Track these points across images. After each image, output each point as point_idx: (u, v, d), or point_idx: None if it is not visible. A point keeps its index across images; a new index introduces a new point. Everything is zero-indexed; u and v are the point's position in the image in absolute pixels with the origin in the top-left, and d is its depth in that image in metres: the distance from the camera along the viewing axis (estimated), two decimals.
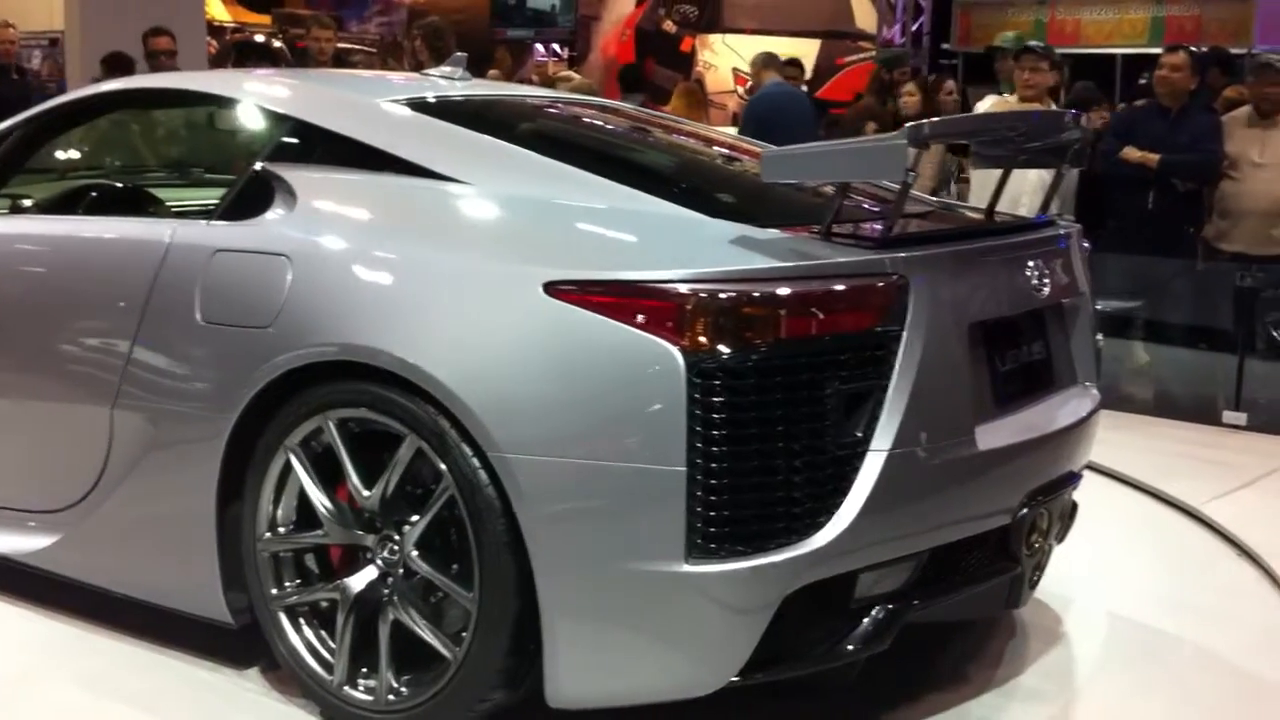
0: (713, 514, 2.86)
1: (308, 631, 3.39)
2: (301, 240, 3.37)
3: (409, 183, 3.42)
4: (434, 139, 3.61)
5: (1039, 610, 4.23)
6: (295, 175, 3.55)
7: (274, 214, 3.50)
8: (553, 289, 2.96)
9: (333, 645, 3.33)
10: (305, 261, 3.32)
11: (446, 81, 4.29)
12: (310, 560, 3.42)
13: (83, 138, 4.78)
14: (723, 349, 2.85)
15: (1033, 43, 8.81)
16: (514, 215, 3.30)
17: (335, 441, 3.25)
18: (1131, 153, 7.54)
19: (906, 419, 3.00)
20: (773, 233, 3.12)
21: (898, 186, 3.15)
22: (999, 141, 3.79)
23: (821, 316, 2.93)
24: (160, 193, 4.71)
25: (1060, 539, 3.78)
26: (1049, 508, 3.50)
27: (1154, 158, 7.49)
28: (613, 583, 2.93)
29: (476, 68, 5.05)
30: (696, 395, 2.84)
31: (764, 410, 2.86)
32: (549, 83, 9.33)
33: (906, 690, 3.59)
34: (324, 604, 3.37)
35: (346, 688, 3.30)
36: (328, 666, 3.34)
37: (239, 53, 9.20)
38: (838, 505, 2.94)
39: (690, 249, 3.03)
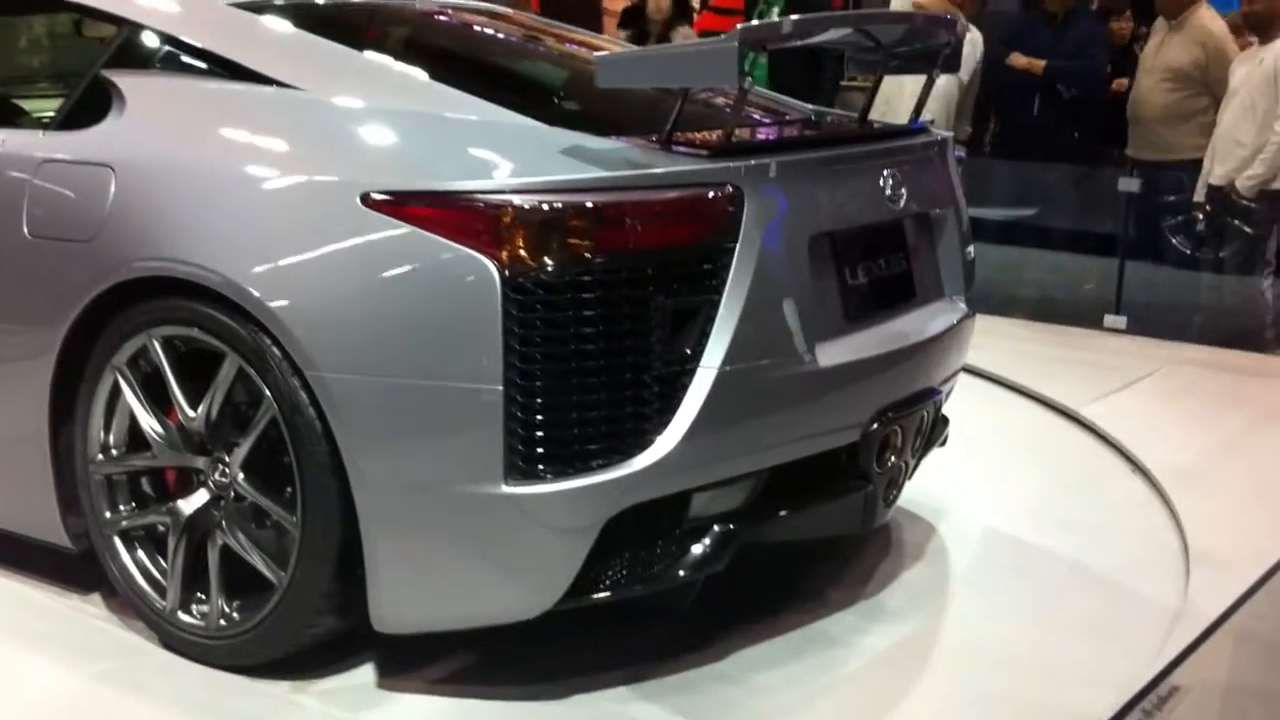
0: (532, 434, 2.78)
1: (142, 556, 3.31)
2: (125, 150, 3.24)
3: (239, 88, 3.27)
4: (271, 43, 3.46)
5: (912, 526, 4.20)
6: (128, 82, 3.40)
7: (105, 123, 3.36)
8: (370, 201, 2.85)
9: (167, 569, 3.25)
10: (128, 172, 3.19)
11: None
12: (146, 484, 3.33)
13: None
14: (539, 263, 2.75)
15: None
16: (341, 123, 3.15)
17: (160, 360, 3.14)
18: (1018, 59, 7.57)
19: (739, 335, 2.91)
20: (608, 141, 3.01)
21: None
22: (862, 47, 3.67)
23: (644, 229, 2.83)
24: (30, 104, 4.54)
25: (921, 455, 3.72)
26: (903, 424, 3.42)
27: (1039, 64, 7.51)
28: (432, 505, 2.85)
29: None
30: (512, 311, 2.74)
31: (583, 326, 2.77)
32: None
33: (762, 611, 3.53)
34: (160, 528, 3.28)
35: (180, 613, 3.22)
36: (162, 591, 3.25)
37: None
38: (665, 424, 2.86)
39: (516, 158, 2.92)
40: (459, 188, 2.82)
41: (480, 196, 2.79)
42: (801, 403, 3.11)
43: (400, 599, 2.93)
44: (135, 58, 3.51)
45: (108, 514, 3.31)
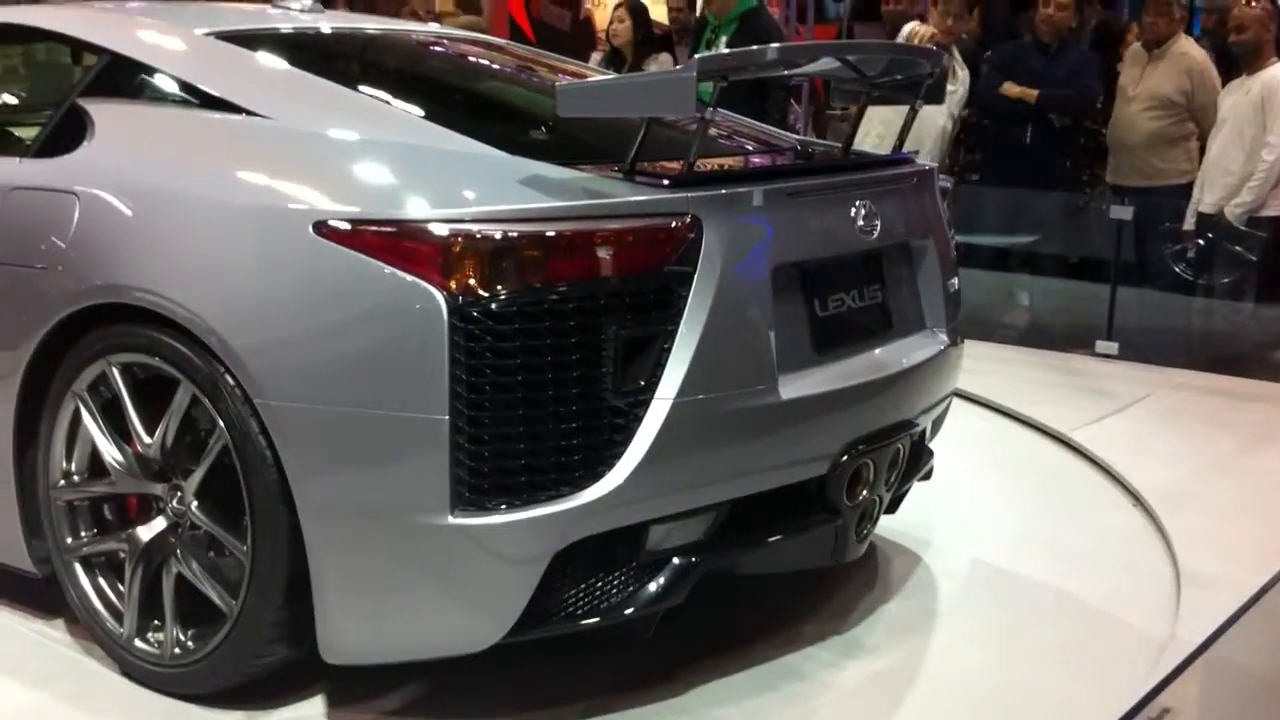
0: (479, 465, 2.74)
1: (102, 582, 3.29)
2: (90, 178, 3.22)
3: (203, 116, 3.26)
4: (242, 71, 3.45)
5: (898, 556, 4.15)
6: (98, 110, 3.40)
7: (76, 151, 3.35)
8: (322, 229, 2.82)
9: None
10: (91, 200, 3.18)
11: (292, 13, 4.11)
12: (108, 510, 3.31)
13: None
14: (485, 292, 2.72)
15: None
16: (301, 151, 3.11)
17: (118, 387, 3.13)
18: (1011, 88, 7.62)
19: (696, 366, 2.86)
20: (567, 171, 2.97)
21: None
22: (845, 78, 3.63)
23: (595, 258, 2.79)
24: (22, 131, 4.53)
25: (899, 487, 3.65)
26: (875, 457, 3.36)
27: (1032, 93, 7.57)
28: (380, 535, 2.81)
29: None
30: (458, 340, 2.70)
31: (531, 357, 2.73)
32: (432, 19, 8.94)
33: (731, 644, 3.48)
34: (119, 555, 3.25)
35: (137, 640, 3.20)
36: (120, 618, 3.23)
37: None
38: (618, 456, 2.81)
39: (471, 187, 2.88)
40: (408, 216, 2.79)
41: (429, 225, 2.76)
42: (763, 435, 3.06)
43: (348, 629, 2.90)
44: (109, 86, 3.51)
45: (69, 539, 3.29)
